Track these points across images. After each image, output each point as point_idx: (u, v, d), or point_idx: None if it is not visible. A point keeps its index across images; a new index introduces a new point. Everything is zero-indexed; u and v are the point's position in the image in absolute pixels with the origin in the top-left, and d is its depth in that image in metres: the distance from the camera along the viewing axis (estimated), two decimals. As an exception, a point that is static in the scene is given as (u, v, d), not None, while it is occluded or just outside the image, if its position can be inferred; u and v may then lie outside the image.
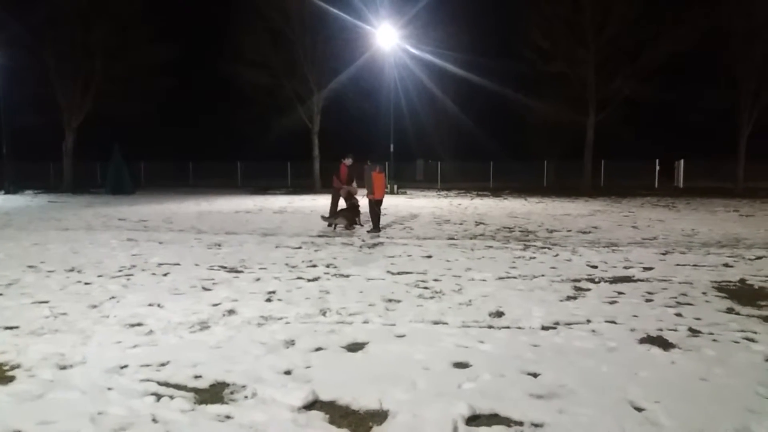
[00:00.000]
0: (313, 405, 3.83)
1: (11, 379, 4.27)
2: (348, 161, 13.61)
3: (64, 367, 4.49)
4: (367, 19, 29.41)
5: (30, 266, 8.89)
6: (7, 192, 31.07)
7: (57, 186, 35.99)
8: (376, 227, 12.87)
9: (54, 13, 31.07)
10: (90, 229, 13.99)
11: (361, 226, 13.65)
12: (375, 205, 12.90)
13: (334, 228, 13.39)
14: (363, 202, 13.44)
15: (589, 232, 13.14)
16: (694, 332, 5.34)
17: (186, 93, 42.28)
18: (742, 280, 7.72)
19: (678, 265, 8.91)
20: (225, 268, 8.76)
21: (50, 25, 31.52)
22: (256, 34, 31.57)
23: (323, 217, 13.82)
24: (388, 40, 29.24)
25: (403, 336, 5.26)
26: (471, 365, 4.50)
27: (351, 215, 13.47)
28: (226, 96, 40.13)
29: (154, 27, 32.87)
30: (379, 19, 29.15)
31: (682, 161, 34.09)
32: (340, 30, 30.91)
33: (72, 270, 8.59)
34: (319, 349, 4.91)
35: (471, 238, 12.11)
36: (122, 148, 30.90)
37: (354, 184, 13.76)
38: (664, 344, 4.99)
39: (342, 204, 13.83)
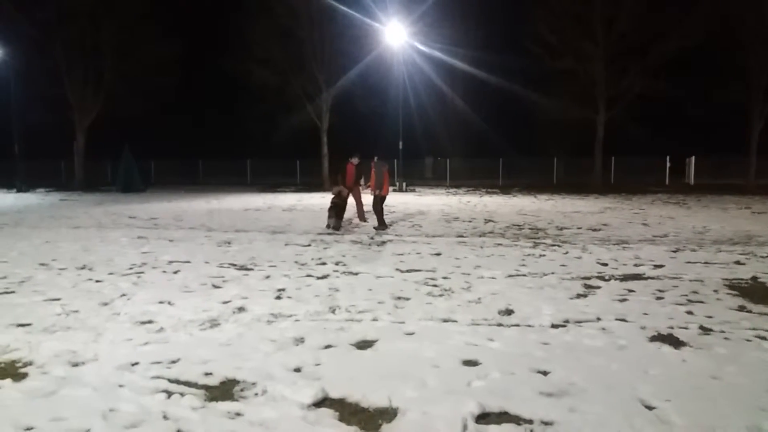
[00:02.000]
0: (322, 402, 3.84)
1: (24, 376, 4.30)
2: (355, 160, 13.56)
3: (75, 364, 4.52)
4: (376, 17, 29.38)
5: (42, 264, 8.97)
6: (18, 190, 31.32)
7: (68, 184, 36.26)
8: (383, 224, 12.87)
9: (64, 11, 31.28)
10: (101, 227, 14.08)
11: (365, 221, 13.70)
12: (380, 202, 12.89)
13: (334, 228, 13.31)
14: (368, 200, 13.47)
15: (600, 230, 13.08)
16: (705, 330, 5.31)
17: (195, 91, 42.45)
18: (754, 278, 7.66)
19: (689, 262, 8.85)
20: (235, 265, 8.80)
21: (60, 23, 31.73)
22: (265, 32, 31.61)
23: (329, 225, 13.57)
24: (396, 38, 29.16)
25: (412, 334, 5.26)
26: (480, 363, 4.49)
27: (337, 213, 13.30)
28: (235, 94, 40.28)
29: (163, 24, 33.02)
30: (388, 16, 29.09)
31: (693, 158, 33.85)
32: (348, 27, 30.92)
33: (83, 268, 8.65)
34: (328, 346, 4.92)
35: (480, 236, 12.08)
36: (132, 146, 31.05)
37: (362, 181, 13.75)
38: (674, 342, 4.97)
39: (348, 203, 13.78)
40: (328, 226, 13.21)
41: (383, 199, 12.97)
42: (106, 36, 32.40)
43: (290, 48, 32.11)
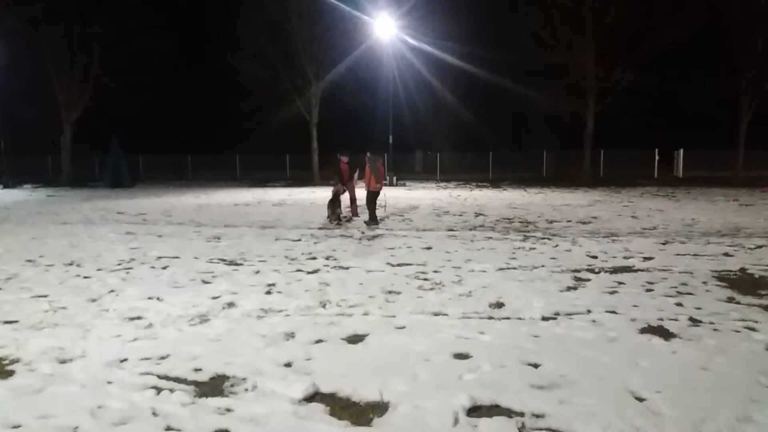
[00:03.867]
0: (313, 397, 3.82)
1: (11, 373, 4.26)
2: (345, 158, 13.48)
3: (63, 361, 4.48)
4: (365, 10, 29.25)
5: (29, 260, 8.88)
6: (5, 186, 31.01)
7: (55, 180, 35.91)
8: (374, 219, 12.82)
9: (51, 6, 30.92)
10: (89, 223, 13.96)
11: (357, 216, 13.59)
12: (374, 197, 12.83)
13: (338, 222, 13.31)
14: (361, 194, 13.41)
15: (589, 223, 13.13)
16: (694, 322, 5.34)
17: (184, 85, 42.13)
18: (743, 270, 7.71)
19: (678, 254, 8.90)
20: (224, 260, 8.75)
21: (48, 18, 31.38)
22: (254, 25, 31.40)
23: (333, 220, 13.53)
24: (386, 31, 29.05)
25: (403, 327, 5.25)
26: (471, 356, 4.49)
27: (335, 207, 13.37)
28: (225, 88, 39.95)
29: (151, 20, 32.72)
30: (378, 9, 28.94)
31: (681, 151, 34.02)
32: (338, 21, 30.77)
33: (71, 264, 8.57)
34: (319, 341, 4.91)
35: (470, 230, 12.09)
36: (120, 141, 30.78)
37: (356, 176, 13.61)
38: (664, 334, 4.99)
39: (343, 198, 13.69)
40: (338, 220, 13.26)
41: (377, 194, 12.89)
42: (93, 31, 32.04)
43: (279, 42, 31.92)
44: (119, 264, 8.54)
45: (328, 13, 30.66)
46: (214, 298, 6.42)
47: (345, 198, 13.84)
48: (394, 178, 30.35)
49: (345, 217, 13.57)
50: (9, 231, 12.58)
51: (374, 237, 11.18)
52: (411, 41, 31.57)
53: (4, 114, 32.88)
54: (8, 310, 5.97)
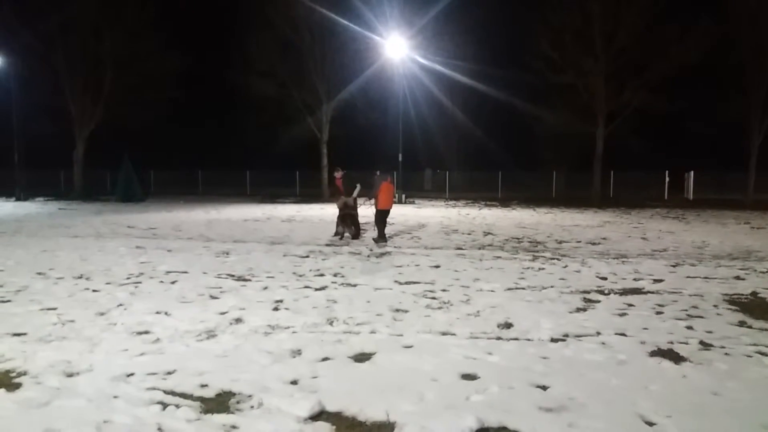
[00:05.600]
0: (319, 416, 3.80)
1: (18, 386, 4.26)
2: (338, 174, 13.75)
3: (70, 375, 4.48)
4: (377, 30, 29.52)
5: (39, 273, 8.93)
6: (18, 199, 31.27)
7: (67, 193, 36.20)
8: (382, 237, 12.80)
9: (66, 22, 31.43)
10: (99, 237, 14.04)
11: (351, 236, 13.49)
12: (381, 215, 12.82)
13: (341, 237, 13.33)
14: (367, 211, 13.42)
15: (599, 244, 13.06)
16: (705, 345, 5.28)
17: (196, 102, 42.57)
18: (754, 293, 7.63)
19: (688, 277, 8.83)
20: (233, 276, 8.76)
21: (62, 34, 31.88)
22: (266, 43, 31.76)
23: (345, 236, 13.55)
24: (397, 51, 29.26)
25: (410, 347, 5.22)
26: (479, 377, 4.46)
27: (354, 222, 13.41)
28: (236, 105, 40.38)
29: (165, 36, 33.15)
30: (389, 29, 29.22)
31: (692, 172, 33.88)
32: (349, 40, 31.08)
33: (80, 277, 8.61)
34: (326, 359, 4.89)
35: (479, 249, 12.06)
36: (132, 156, 31.03)
37: (357, 190, 13.58)
38: (675, 357, 4.93)
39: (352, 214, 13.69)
40: (340, 237, 13.28)
41: (385, 212, 12.86)
42: (107, 47, 32.53)
43: (291, 60, 32.24)
44: (128, 278, 8.57)
45: (340, 33, 30.99)
46: (222, 313, 6.42)
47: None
48: (403, 196, 30.38)
49: (346, 235, 13.42)
50: (20, 243, 12.67)
51: (382, 255, 11.17)
52: (422, 60, 31.81)
53: (18, 127, 33.28)
54: (17, 322, 5.99)
